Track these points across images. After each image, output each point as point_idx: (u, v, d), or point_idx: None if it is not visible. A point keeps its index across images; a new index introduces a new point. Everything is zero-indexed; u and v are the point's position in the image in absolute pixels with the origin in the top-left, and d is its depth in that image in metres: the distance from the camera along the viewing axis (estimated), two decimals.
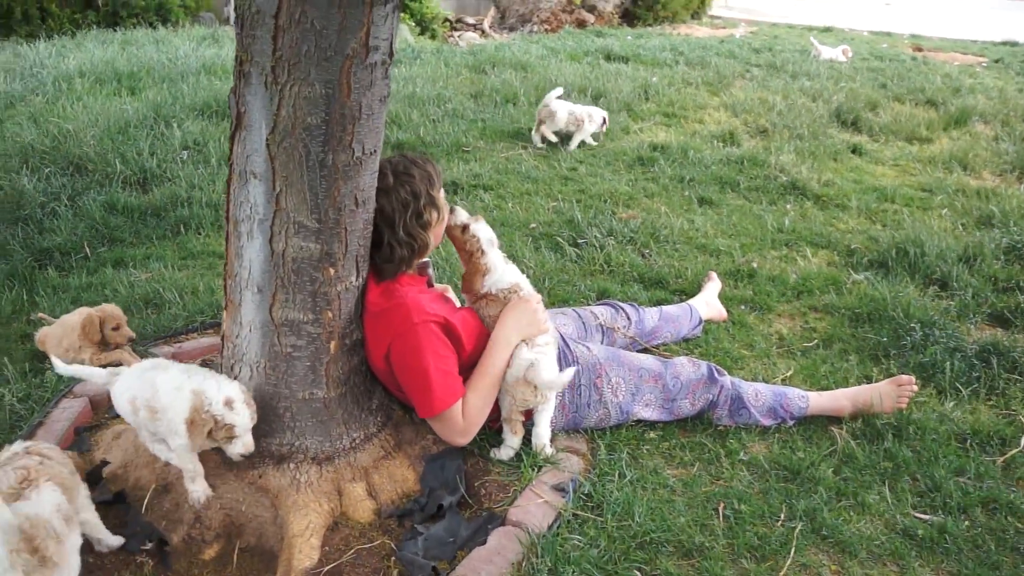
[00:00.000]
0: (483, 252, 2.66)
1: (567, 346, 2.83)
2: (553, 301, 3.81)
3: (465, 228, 2.65)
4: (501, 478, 2.58)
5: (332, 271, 2.33)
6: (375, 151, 2.28)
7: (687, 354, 3.46)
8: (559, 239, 4.57)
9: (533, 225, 4.79)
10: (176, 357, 3.27)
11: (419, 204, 2.46)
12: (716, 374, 2.94)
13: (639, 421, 2.91)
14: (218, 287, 3.80)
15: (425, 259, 2.69)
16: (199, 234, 4.54)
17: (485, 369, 2.54)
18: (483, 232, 2.68)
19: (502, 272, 2.67)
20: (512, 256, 4.10)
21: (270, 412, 2.43)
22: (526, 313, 2.60)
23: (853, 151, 6.75)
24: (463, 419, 2.49)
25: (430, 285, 2.81)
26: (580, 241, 4.53)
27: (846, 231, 5.01)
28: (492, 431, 2.72)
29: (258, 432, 2.41)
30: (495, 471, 2.61)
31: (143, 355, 3.24)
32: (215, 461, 2.48)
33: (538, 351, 2.59)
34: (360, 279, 2.44)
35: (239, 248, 2.33)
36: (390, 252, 2.45)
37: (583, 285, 4.00)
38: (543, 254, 4.39)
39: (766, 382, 3.24)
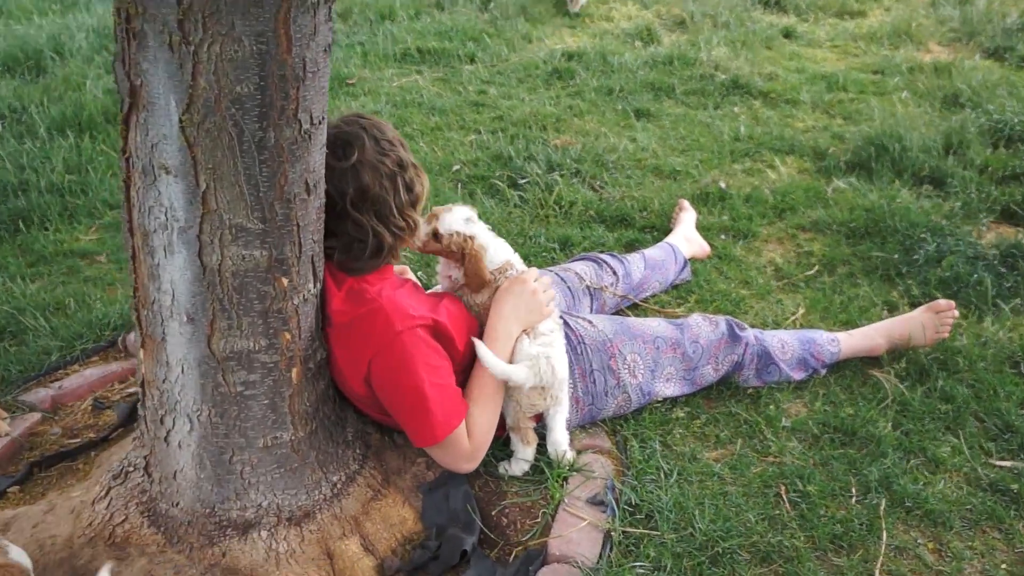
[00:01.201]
0: (472, 237, 2.38)
1: (567, 325, 2.58)
2: None
3: (437, 233, 2.37)
4: (522, 499, 2.34)
5: (285, 281, 1.99)
6: (323, 119, 1.95)
7: (681, 304, 3.29)
8: (495, 181, 4.28)
9: (456, 167, 4.49)
10: (56, 400, 2.84)
11: (407, 175, 2.18)
12: (737, 330, 2.79)
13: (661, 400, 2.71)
14: (94, 298, 3.32)
15: None
16: (45, 229, 3.98)
17: (485, 374, 2.27)
18: (455, 216, 2.40)
19: (493, 248, 2.40)
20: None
21: (223, 470, 2.12)
22: (524, 296, 2.35)
23: (786, 36, 6.69)
24: (469, 441, 2.23)
25: None
26: (520, 180, 4.26)
27: (805, 130, 4.94)
28: (498, 442, 2.46)
29: (211, 497, 2.12)
30: (511, 491, 2.37)
31: (11, 406, 2.78)
32: (157, 543, 2.13)
33: (543, 342, 2.34)
34: (318, 284, 2.13)
35: (153, 267, 1.95)
36: (378, 244, 2.14)
37: (541, 236, 3.75)
38: (481, 202, 4.09)
39: (778, 325, 3.12)
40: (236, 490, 2.13)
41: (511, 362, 2.32)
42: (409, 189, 2.19)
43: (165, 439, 2.14)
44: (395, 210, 2.16)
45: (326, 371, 2.24)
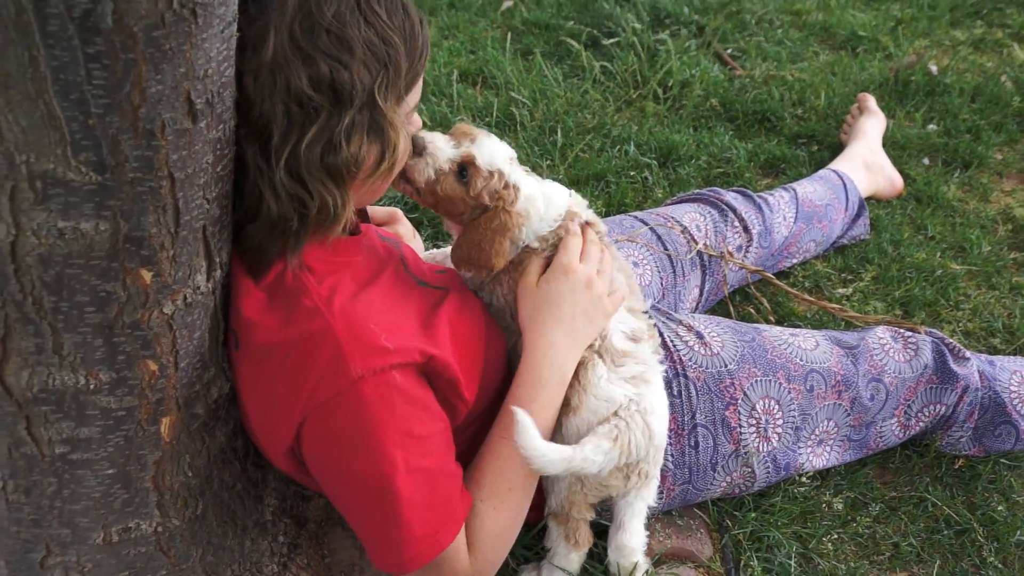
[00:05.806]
0: (517, 188, 1.98)
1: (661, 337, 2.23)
2: (573, 184, 3.27)
3: (469, 165, 1.94)
4: None
5: (147, 276, 1.61)
6: None
7: (848, 284, 2.99)
8: (567, 37, 4.07)
9: (508, 3, 4.41)
10: None
11: (397, 68, 1.70)
12: (952, 360, 2.41)
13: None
14: None
15: None
16: None
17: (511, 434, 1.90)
18: (500, 148, 1.99)
19: (543, 197, 2.03)
20: (476, 77, 3.78)
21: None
22: (578, 291, 1.97)
23: None
24: (470, 556, 1.88)
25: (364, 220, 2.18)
26: (607, 40, 4.05)
27: None
28: (528, 533, 2.19)
29: None
30: None
31: None
32: None
33: (631, 375, 1.96)
34: (216, 273, 1.75)
35: None
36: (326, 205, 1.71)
37: (631, 139, 3.53)
38: (538, 69, 3.91)
39: (1016, 341, 2.79)
40: None
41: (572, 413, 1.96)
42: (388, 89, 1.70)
43: None
44: (364, 119, 1.68)
45: (229, 415, 1.92)
